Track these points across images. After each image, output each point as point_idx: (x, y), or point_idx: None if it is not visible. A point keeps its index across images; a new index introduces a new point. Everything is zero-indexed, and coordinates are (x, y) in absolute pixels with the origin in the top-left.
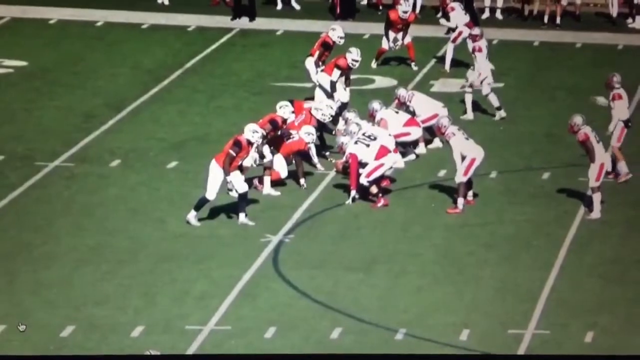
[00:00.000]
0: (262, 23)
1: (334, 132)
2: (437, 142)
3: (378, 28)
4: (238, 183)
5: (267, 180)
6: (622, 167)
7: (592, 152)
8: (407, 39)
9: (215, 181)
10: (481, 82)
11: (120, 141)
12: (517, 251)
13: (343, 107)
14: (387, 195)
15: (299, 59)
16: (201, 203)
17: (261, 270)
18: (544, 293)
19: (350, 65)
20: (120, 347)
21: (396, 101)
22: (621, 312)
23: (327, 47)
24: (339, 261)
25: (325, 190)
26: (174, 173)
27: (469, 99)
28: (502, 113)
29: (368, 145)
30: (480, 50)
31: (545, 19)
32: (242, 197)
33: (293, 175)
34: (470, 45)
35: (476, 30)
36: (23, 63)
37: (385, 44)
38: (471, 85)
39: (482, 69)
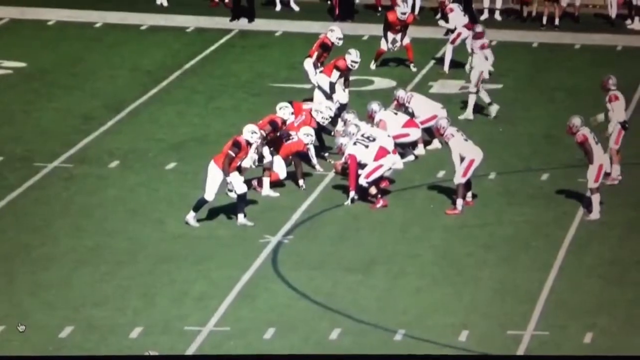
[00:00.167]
0: (261, 24)
1: (333, 133)
2: (436, 143)
3: (377, 29)
4: (237, 184)
5: (266, 181)
6: (615, 169)
7: (591, 154)
8: (406, 40)
9: (214, 182)
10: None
11: (119, 142)
12: (516, 252)
13: (342, 108)
14: (386, 196)
15: (298, 60)
16: (200, 204)
17: (260, 271)
18: (543, 294)
19: (349, 66)
20: (119, 347)
21: (395, 102)
22: (620, 313)
23: (326, 48)
24: (338, 262)
25: (324, 191)
26: (172, 174)
27: (472, 99)
28: (495, 107)
29: (367, 147)
30: (485, 47)
31: (544, 20)
32: (241, 198)
33: (292, 176)
34: (475, 43)
35: (479, 28)
36: (22, 64)
37: (384, 45)
38: (475, 87)
39: (482, 67)
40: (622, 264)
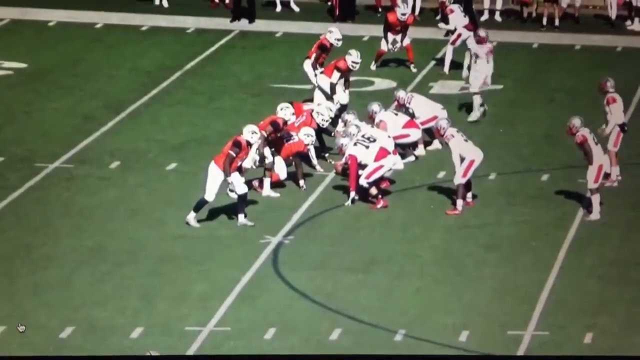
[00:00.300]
0: (261, 25)
1: (333, 134)
2: (436, 144)
3: (377, 30)
4: (238, 184)
5: (266, 181)
6: (614, 171)
7: (590, 154)
8: (406, 41)
9: (215, 182)
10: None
11: (120, 143)
12: (517, 252)
13: (342, 109)
14: (387, 197)
15: (298, 61)
16: (200, 204)
17: (261, 271)
18: (543, 294)
19: (350, 67)
20: (119, 348)
21: (395, 103)
22: (620, 313)
23: (324, 49)
24: (339, 262)
25: (324, 192)
26: (173, 174)
27: (477, 101)
28: (481, 110)
29: (367, 147)
30: (491, 52)
31: (544, 21)
32: (242, 198)
33: (292, 176)
34: (482, 49)
35: (483, 32)
36: (22, 65)
37: (384, 46)
38: (479, 89)
39: (487, 72)
40: (622, 264)
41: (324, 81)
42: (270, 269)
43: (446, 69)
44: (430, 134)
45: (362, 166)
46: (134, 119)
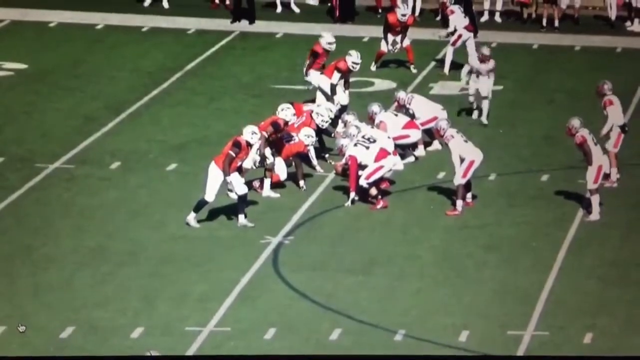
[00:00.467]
0: (261, 26)
1: (333, 135)
2: (436, 145)
3: (377, 31)
4: (237, 185)
5: (266, 182)
6: (613, 173)
7: (590, 155)
8: (406, 42)
9: (215, 183)
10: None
11: (120, 143)
12: (516, 253)
13: (343, 109)
14: (387, 197)
15: (299, 62)
16: (200, 205)
17: (261, 271)
18: (543, 295)
19: (350, 67)
20: (120, 348)
21: (395, 104)
22: (620, 314)
23: (316, 55)
24: (339, 263)
25: (324, 192)
26: (173, 175)
27: (486, 105)
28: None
29: (367, 148)
30: (493, 70)
31: (544, 22)
32: (242, 199)
33: (292, 177)
34: (483, 66)
35: (486, 51)
36: (23, 66)
37: (384, 47)
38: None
39: (490, 86)
40: (622, 265)
41: (324, 82)
42: (271, 269)
43: (446, 69)
44: (430, 134)
45: (362, 167)
46: (134, 119)
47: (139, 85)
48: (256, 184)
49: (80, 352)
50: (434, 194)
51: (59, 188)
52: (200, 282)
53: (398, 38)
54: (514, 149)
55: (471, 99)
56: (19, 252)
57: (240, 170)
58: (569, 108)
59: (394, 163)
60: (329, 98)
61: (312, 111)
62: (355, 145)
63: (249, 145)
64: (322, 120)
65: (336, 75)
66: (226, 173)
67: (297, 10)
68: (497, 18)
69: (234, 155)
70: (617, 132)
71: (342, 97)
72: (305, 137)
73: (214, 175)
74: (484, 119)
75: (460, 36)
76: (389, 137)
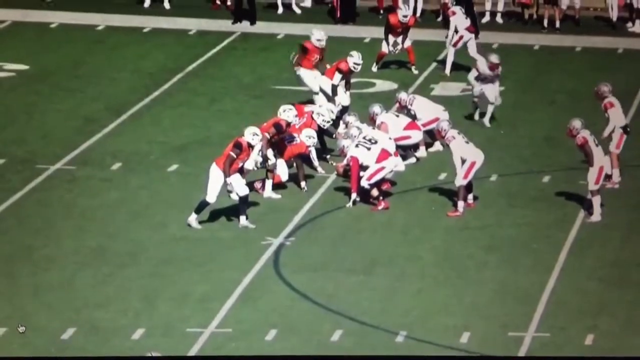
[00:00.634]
0: (262, 27)
1: (334, 136)
2: (437, 146)
3: (378, 32)
4: (239, 186)
5: (268, 183)
6: (615, 174)
7: (591, 156)
8: (407, 43)
9: (216, 184)
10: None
11: (121, 144)
12: (517, 254)
13: (344, 110)
14: (388, 198)
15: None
16: (202, 206)
17: (262, 272)
18: (544, 296)
19: (351, 68)
20: (121, 349)
21: (397, 105)
22: (621, 315)
23: (305, 50)
24: (340, 264)
25: (326, 193)
26: (174, 176)
27: (491, 109)
28: (479, 112)
29: (369, 149)
30: (499, 76)
31: (545, 23)
32: (243, 200)
33: (294, 178)
34: (490, 73)
35: (495, 59)
36: (24, 67)
37: (385, 48)
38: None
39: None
40: (623, 266)
41: (325, 83)
42: (272, 270)
43: (447, 70)
44: (432, 135)
45: (364, 168)
46: (135, 120)
47: (140, 86)
48: (257, 185)
49: (81, 353)
50: (435, 195)
51: (60, 189)
52: (201, 283)
53: (399, 39)
54: (515, 149)
55: (475, 100)
56: (20, 253)
57: (241, 171)
58: (570, 109)
59: (396, 164)
60: (330, 99)
61: (313, 112)
62: (357, 146)
63: (250, 146)
64: (323, 120)
65: (337, 76)
66: (227, 174)
67: (298, 11)
68: (499, 19)
69: (235, 156)
70: (620, 133)
71: (344, 98)
72: (307, 138)
73: (215, 176)
74: (486, 122)
75: (461, 37)
76: (390, 138)
